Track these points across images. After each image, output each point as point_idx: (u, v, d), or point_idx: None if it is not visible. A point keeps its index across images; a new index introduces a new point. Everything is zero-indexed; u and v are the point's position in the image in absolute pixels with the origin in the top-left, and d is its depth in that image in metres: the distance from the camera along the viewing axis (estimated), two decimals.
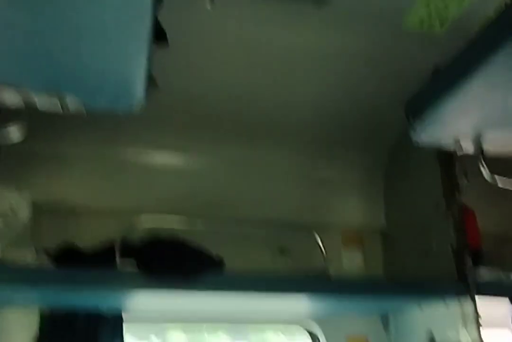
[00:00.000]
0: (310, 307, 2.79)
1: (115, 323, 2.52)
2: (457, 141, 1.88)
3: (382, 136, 3.08)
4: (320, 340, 2.94)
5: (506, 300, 2.49)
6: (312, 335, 2.98)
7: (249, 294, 2.31)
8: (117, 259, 2.16)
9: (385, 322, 3.03)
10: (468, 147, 1.92)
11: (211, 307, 2.73)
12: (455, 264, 2.52)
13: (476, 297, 2.39)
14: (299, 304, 2.57)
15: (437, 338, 2.57)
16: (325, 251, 2.49)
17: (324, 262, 2.44)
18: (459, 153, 1.82)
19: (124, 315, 2.56)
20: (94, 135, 2.75)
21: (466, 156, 2.38)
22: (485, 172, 1.80)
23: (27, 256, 2.27)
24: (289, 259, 2.93)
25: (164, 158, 2.99)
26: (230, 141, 2.94)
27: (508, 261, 2.76)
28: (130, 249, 2.30)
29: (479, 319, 2.35)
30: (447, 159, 2.65)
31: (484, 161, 1.85)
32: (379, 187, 3.25)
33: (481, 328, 2.33)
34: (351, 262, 3.06)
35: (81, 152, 2.81)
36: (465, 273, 2.45)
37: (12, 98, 1.54)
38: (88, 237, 2.56)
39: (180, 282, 2.18)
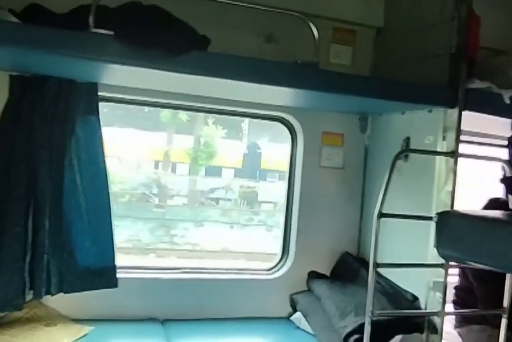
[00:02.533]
0: (292, 98, 2.73)
1: (89, 92, 2.43)
2: None
3: None
4: (298, 135, 2.97)
5: (490, 116, 2.46)
6: (291, 130, 3.00)
7: (233, 78, 2.17)
8: (91, 21, 1.92)
9: (363, 123, 3.04)
10: None
11: (190, 90, 2.63)
12: (449, 70, 2.40)
13: (463, 108, 2.34)
14: (282, 93, 2.49)
15: (413, 144, 2.59)
16: (316, 42, 2.30)
17: (313, 52, 2.27)
18: None
19: (99, 87, 2.46)
20: None
21: None
22: None
23: None
24: (276, 47, 2.75)
25: None
26: None
27: (499, 76, 2.66)
28: (106, 13, 2.04)
29: (460, 131, 2.35)
30: None
31: None
32: None
33: (459, 141, 2.34)
34: (339, 57, 2.90)
35: None
36: (457, 81, 2.35)
37: None
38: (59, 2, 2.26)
39: (160, 57, 2.01)
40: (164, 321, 2.64)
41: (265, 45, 2.76)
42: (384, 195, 2.12)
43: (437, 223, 1.51)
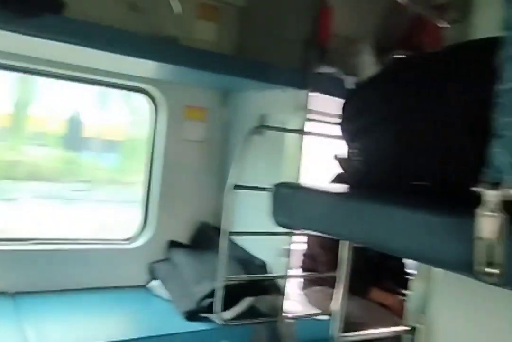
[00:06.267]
0: (154, 71, 2.73)
1: None
2: None
3: None
4: (161, 107, 2.99)
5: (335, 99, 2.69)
6: (154, 103, 3.01)
7: (88, 46, 2.11)
8: None
9: (225, 98, 3.16)
10: None
11: (51, 56, 2.51)
12: (301, 55, 2.59)
13: (311, 90, 2.55)
14: (144, 65, 2.49)
15: (268, 121, 2.78)
16: (178, 16, 2.33)
17: (176, 26, 2.30)
18: None
19: None
20: None
21: None
22: None
23: None
24: (140, 17, 2.72)
25: None
26: None
27: (346, 63, 2.91)
28: None
29: (308, 110, 2.56)
30: None
31: None
32: None
33: (306, 119, 2.56)
34: (204, 33, 2.95)
35: None
36: (308, 65, 2.55)
37: None
38: None
39: (13, 18, 1.90)
40: (15, 294, 2.55)
41: (129, 14, 2.72)
42: (236, 167, 2.23)
43: (273, 193, 1.64)
